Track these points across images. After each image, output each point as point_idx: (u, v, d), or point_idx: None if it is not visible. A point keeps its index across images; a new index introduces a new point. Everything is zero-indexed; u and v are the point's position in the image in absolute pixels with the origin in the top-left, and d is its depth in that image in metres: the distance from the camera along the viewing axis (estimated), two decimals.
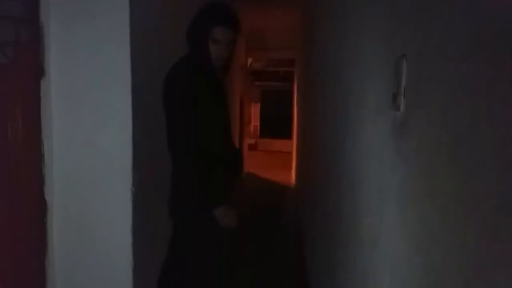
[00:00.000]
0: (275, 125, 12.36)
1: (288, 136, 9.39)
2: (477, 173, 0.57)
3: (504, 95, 0.51)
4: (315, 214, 2.74)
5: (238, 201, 2.42)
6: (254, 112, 13.28)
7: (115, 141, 1.89)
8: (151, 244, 2.19)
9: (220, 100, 2.02)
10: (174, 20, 2.56)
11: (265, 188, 6.52)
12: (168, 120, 1.90)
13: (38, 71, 1.81)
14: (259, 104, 13.42)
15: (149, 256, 2.16)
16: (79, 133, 1.90)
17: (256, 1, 5.18)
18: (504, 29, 0.52)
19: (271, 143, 12.21)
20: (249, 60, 9.83)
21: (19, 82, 1.75)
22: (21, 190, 1.77)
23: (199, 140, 1.85)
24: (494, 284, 0.52)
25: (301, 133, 5.04)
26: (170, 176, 1.99)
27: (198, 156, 1.84)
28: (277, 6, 5.69)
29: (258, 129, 13.32)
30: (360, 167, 1.34)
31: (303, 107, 4.72)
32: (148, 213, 2.12)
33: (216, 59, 1.89)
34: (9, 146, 1.71)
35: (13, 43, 1.71)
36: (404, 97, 0.88)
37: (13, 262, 1.75)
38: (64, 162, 1.90)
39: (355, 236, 1.36)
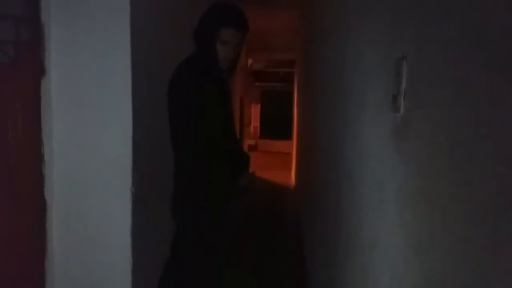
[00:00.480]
0: (275, 126, 12.35)
1: (288, 137, 9.39)
2: (477, 173, 0.57)
3: (504, 96, 0.51)
4: (315, 214, 2.74)
5: (239, 201, 2.43)
6: (254, 112, 13.28)
7: (115, 141, 1.89)
8: (150, 244, 2.19)
9: (225, 101, 2.03)
10: (175, 20, 2.56)
11: (265, 188, 6.52)
12: (173, 119, 1.89)
13: (38, 70, 1.81)
14: (259, 105, 13.42)
15: (148, 256, 2.16)
16: (79, 132, 1.90)
17: (256, 1, 5.18)
18: (504, 29, 0.52)
19: (271, 144, 12.20)
20: (249, 61, 9.84)
21: (19, 82, 1.75)
22: (21, 190, 1.77)
23: (204, 138, 1.86)
24: (494, 284, 0.52)
25: (301, 134, 5.05)
26: (173, 177, 1.99)
27: (205, 154, 1.86)
28: (278, 7, 5.69)
29: (258, 130, 13.31)
30: (360, 168, 1.34)
31: (303, 108, 4.72)
32: (147, 213, 2.12)
33: (223, 60, 1.88)
34: (9, 145, 1.71)
35: (13, 43, 1.71)
36: (404, 99, 0.88)
37: (13, 261, 1.75)
38: (64, 161, 1.90)
39: (354, 236, 1.36)
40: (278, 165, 8.77)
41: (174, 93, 1.88)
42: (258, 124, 13.37)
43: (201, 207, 1.92)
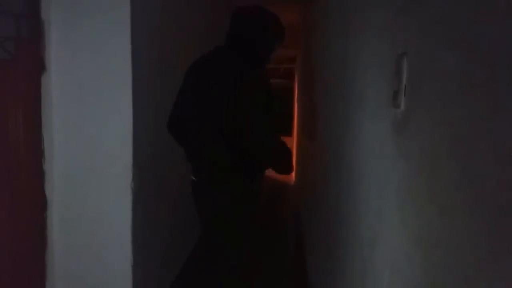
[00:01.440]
0: (276, 122, 12.31)
1: (289, 133, 9.38)
2: (477, 170, 0.57)
3: (505, 93, 0.51)
4: (315, 212, 2.74)
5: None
6: None
7: (115, 137, 1.89)
8: (150, 240, 2.19)
9: None
10: (175, 18, 2.55)
11: (265, 185, 6.52)
12: (236, 112, 1.83)
13: (39, 66, 1.81)
14: None
15: (148, 252, 2.17)
16: (80, 128, 1.90)
17: None
18: (505, 27, 0.52)
19: None
20: None
21: (20, 78, 1.75)
22: (22, 186, 1.78)
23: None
24: (494, 283, 0.52)
25: (301, 130, 5.05)
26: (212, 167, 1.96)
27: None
28: (278, 3, 5.67)
29: None
30: (360, 165, 1.34)
31: (303, 104, 4.72)
32: (148, 209, 2.12)
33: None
34: (10, 141, 1.71)
35: (14, 39, 1.71)
36: (405, 95, 0.88)
37: (13, 258, 1.76)
38: (65, 157, 1.91)
39: (355, 234, 1.36)
40: None
41: (243, 87, 1.81)
42: None
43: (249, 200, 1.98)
